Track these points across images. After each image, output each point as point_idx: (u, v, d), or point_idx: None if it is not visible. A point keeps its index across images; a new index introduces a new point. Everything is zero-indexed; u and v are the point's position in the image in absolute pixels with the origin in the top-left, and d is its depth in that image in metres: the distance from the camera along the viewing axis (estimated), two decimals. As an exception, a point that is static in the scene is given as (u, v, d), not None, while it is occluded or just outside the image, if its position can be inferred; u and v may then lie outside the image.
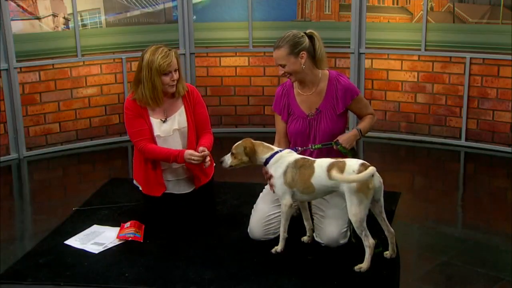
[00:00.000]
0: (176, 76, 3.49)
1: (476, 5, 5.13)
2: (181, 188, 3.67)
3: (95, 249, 3.37)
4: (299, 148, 3.35)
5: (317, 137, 3.42)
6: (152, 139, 3.54)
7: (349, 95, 3.37)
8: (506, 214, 3.85)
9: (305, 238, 3.40)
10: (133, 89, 3.55)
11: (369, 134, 5.59)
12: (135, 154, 3.67)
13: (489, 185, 4.55)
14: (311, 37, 3.33)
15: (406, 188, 4.44)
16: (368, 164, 2.99)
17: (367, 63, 5.65)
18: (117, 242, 3.44)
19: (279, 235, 3.35)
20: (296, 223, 3.50)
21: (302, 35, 3.31)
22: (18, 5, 5.04)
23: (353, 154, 3.35)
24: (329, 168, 3.02)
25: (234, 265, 3.15)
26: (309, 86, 3.42)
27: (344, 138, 3.35)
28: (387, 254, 3.18)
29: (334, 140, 3.35)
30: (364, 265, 3.03)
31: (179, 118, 3.59)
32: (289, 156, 3.19)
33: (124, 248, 3.39)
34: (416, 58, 5.46)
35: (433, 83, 5.43)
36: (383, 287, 2.95)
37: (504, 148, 5.16)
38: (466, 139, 5.36)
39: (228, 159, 3.24)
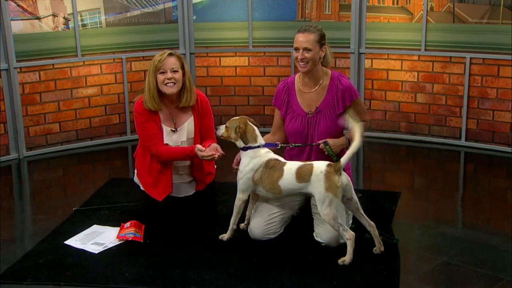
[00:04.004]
0: (171, 75, 3.45)
1: (476, 5, 5.13)
2: (183, 191, 3.67)
3: (95, 249, 3.37)
4: (279, 144, 3.39)
5: (315, 137, 3.43)
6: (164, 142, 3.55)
7: (349, 96, 3.39)
8: (506, 214, 3.85)
9: (242, 225, 3.52)
10: (141, 94, 3.56)
11: (369, 134, 5.62)
12: (139, 155, 3.67)
13: (489, 185, 4.55)
14: None
15: (406, 188, 4.44)
16: (334, 163, 3.12)
17: (367, 63, 5.65)
18: (117, 242, 3.44)
19: (279, 235, 3.37)
20: (296, 223, 3.50)
21: None
22: (18, 5, 5.04)
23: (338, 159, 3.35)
24: (298, 172, 3.15)
25: (234, 265, 3.15)
26: (312, 83, 3.43)
27: (333, 142, 3.36)
28: (375, 250, 3.20)
29: (323, 140, 3.35)
30: (347, 258, 3.10)
31: (188, 128, 3.59)
32: (265, 156, 3.27)
33: (124, 248, 3.39)
34: (416, 58, 5.46)
35: (433, 83, 5.43)
36: (383, 287, 2.95)
37: (504, 148, 5.16)
38: (466, 139, 5.36)
39: (222, 129, 3.32)
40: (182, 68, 3.51)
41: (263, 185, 3.23)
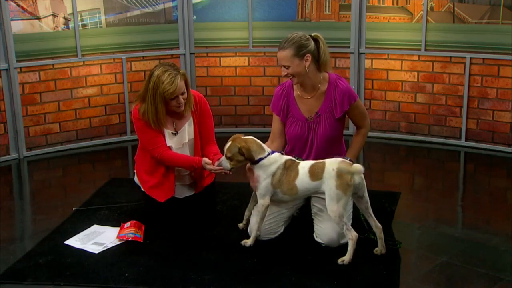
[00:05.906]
0: (182, 99, 3.44)
1: (476, 5, 5.13)
2: (183, 192, 3.68)
3: (95, 249, 3.37)
4: (283, 153, 3.34)
5: (315, 141, 3.42)
6: (167, 146, 3.54)
7: (347, 100, 3.36)
8: (506, 214, 3.85)
9: (240, 225, 3.52)
10: (138, 102, 3.51)
11: (369, 134, 5.61)
12: (139, 157, 3.67)
13: (489, 185, 4.55)
14: (316, 40, 3.33)
15: (406, 188, 4.44)
16: (348, 161, 3.11)
17: (367, 63, 5.65)
18: (117, 242, 3.44)
19: (279, 235, 3.37)
20: (296, 223, 3.50)
21: (308, 38, 3.31)
22: (18, 5, 5.04)
23: None
24: (310, 170, 3.13)
25: (234, 265, 3.15)
26: (310, 89, 3.41)
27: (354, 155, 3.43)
28: (377, 251, 3.20)
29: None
30: (346, 258, 3.09)
31: (188, 129, 3.59)
32: (280, 158, 3.23)
33: (124, 248, 3.39)
34: (416, 58, 5.46)
35: (433, 83, 5.43)
36: (383, 287, 2.95)
37: (504, 148, 5.16)
38: (466, 139, 5.36)
39: (226, 163, 3.24)
40: (187, 85, 3.49)
41: (281, 187, 3.19)
